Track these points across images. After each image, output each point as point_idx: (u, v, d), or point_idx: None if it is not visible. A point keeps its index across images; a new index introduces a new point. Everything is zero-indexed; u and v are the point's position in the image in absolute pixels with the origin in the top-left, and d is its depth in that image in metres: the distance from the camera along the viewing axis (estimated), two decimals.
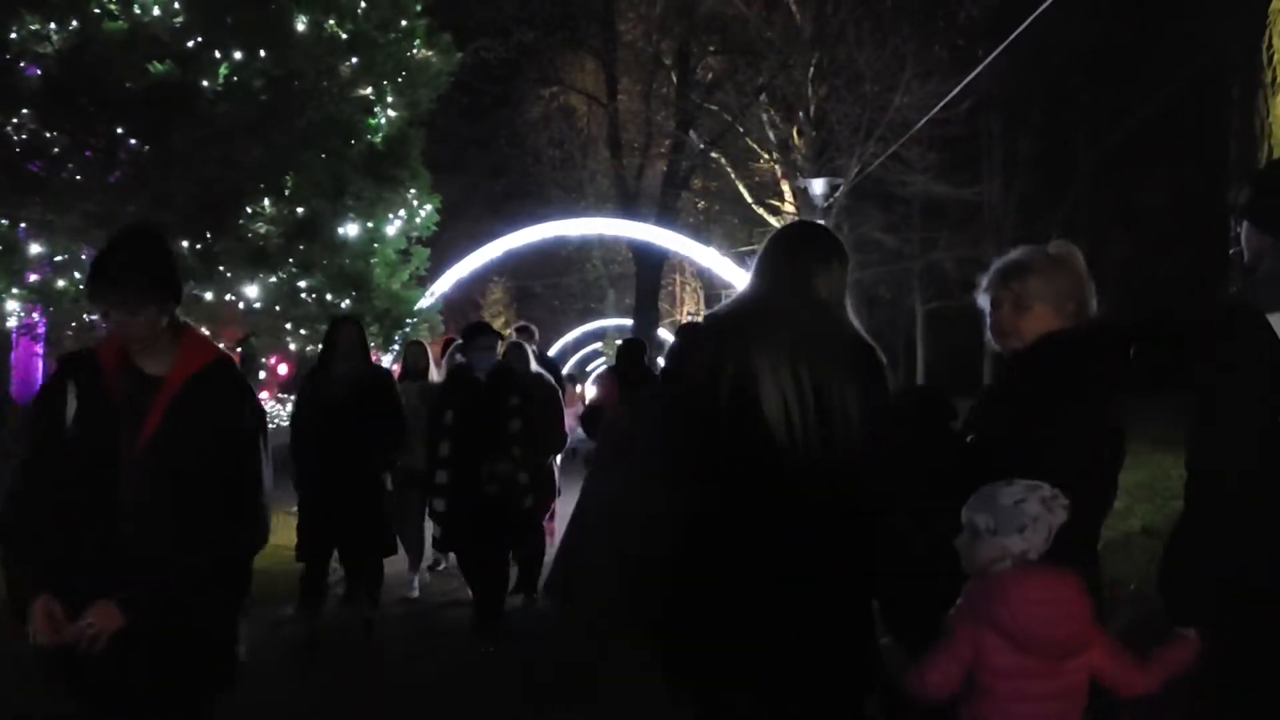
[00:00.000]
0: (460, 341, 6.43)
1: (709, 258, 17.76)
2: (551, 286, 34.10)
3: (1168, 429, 8.64)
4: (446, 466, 5.62)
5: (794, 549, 2.39)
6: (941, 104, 11.98)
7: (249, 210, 9.51)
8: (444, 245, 13.66)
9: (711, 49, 22.57)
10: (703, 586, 2.42)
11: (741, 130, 21.30)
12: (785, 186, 21.21)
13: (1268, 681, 2.16)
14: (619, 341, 9.86)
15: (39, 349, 24.92)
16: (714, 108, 22.14)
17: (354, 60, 9.90)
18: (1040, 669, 2.18)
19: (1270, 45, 5.00)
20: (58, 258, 9.28)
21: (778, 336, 2.48)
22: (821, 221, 12.02)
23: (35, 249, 9.22)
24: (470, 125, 21.87)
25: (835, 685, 2.46)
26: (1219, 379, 2.16)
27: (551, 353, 43.84)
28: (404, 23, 10.58)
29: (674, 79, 23.17)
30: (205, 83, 9.18)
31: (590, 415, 6.69)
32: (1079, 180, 27.02)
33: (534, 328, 8.86)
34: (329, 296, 10.11)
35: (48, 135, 9.26)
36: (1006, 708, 2.21)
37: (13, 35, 9.01)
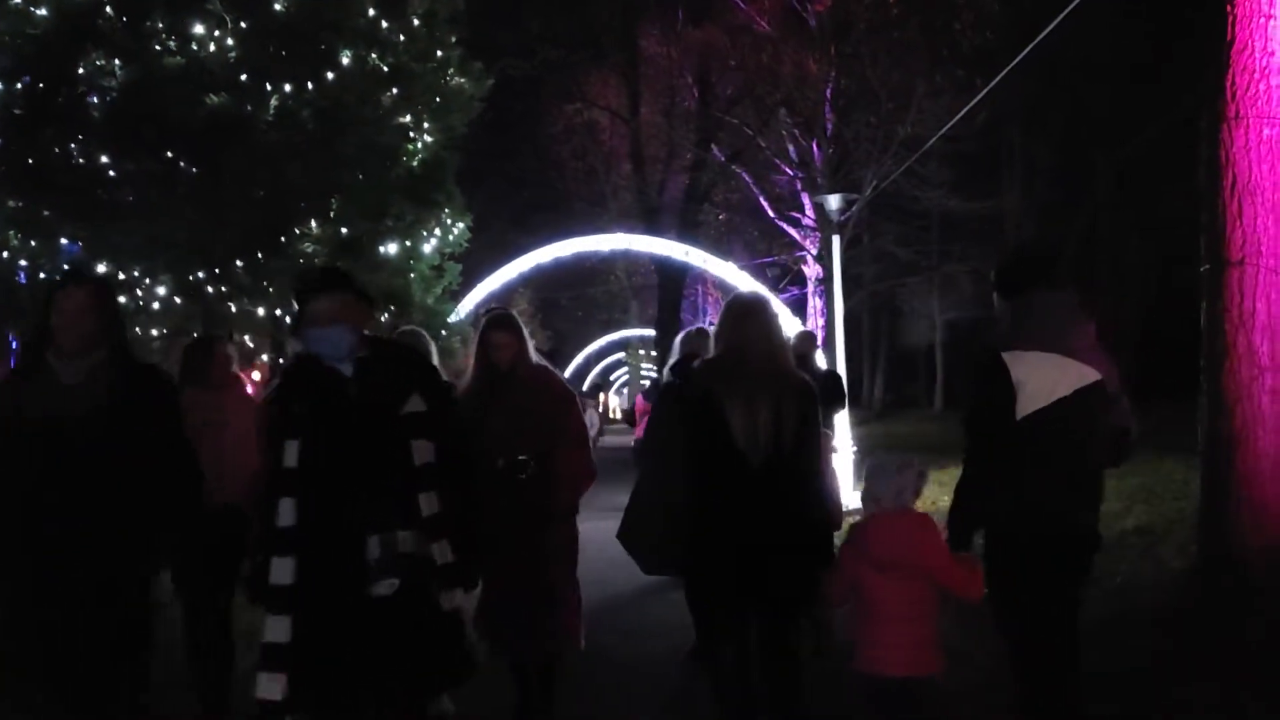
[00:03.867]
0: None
1: (729, 271, 18.20)
2: (576, 298, 34.66)
3: (1171, 436, 9.05)
4: (291, 550, 2.96)
5: (757, 514, 3.59)
6: (950, 124, 12.46)
7: (297, 231, 10.11)
8: (469, 257, 14.26)
9: (732, 63, 23.03)
10: (706, 538, 3.67)
11: (762, 145, 21.73)
12: (805, 199, 21.62)
13: (1008, 583, 3.25)
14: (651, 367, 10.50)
15: None
16: (734, 121, 22.57)
17: (394, 90, 10.52)
18: (891, 583, 3.19)
19: (1234, 83, 5.49)
20: (121, 276, 9.91)
21: (749, 377, 3.67)
22: (835, 243, 12.51)
23: (100, 269, 9.86)
24: (494, 139, 22.22)
25: (789, 599, 3.68)
26: (971, 394, 3.47)
27: (576, 362, 44.18)
28: (439, 53, 11.21)
29: (695, 94, 23.68)
30: (256, 112, 9.80)
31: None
32: (1098, 189, 27.29)
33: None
34: None
35: (105, 161, 9.90)
36: (871, 610, 3.25)
37: (80, 70, 9.69)
